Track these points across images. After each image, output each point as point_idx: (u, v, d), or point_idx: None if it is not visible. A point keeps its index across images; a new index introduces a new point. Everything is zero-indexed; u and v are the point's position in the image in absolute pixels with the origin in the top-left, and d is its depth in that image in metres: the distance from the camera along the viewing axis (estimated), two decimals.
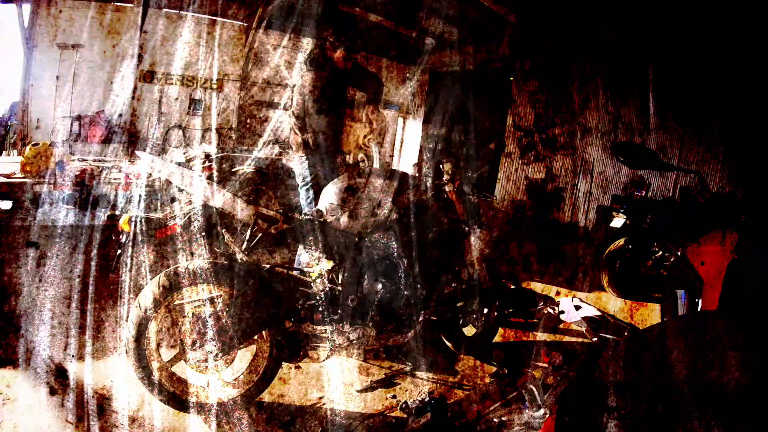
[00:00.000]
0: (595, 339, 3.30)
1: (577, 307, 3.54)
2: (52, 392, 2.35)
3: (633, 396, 1.22)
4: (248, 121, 8.51)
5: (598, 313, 3.63)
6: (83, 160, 5.16)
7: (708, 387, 1.20)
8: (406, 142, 9.23)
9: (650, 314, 4.10)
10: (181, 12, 7.57)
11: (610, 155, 6.18)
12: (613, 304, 4.33)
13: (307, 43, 8.09)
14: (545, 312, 3.39)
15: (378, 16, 7.81)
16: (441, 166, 2.82)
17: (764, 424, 1.11)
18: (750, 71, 4.61)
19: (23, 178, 4.84)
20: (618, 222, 4.33)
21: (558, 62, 6.55)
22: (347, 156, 3.58)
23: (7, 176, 4.90)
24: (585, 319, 3.50)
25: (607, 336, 3.35)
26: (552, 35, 6.46)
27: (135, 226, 2.36)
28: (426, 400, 2.44)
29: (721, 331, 1.38)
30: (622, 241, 4.34)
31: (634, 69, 5.79)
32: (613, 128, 6.23)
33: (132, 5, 7.26)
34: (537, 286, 4.44)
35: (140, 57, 7.44)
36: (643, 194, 5.40)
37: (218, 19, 8.04)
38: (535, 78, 6.95)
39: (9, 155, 6.70)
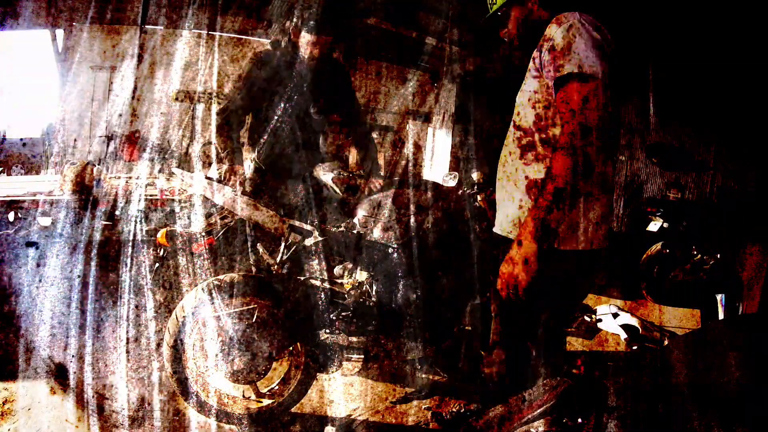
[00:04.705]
0: (634, 347, 3.21)
1: (615, 315, 3.45)
2: (52, 392, 2.39)
3: (633, 396, 1.22)
4: None
5: (636, 321, 3.54)
6: (119, 177, 5.32)
7: (708, 387, 1.19)
8: (437, 152, 9.19)
9: (687, 320, 3.97)
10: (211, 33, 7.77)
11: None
12: (649, 311, 4.20)
13: None
14: (583, 320, 3.32)
15: (377, 17, 7.71)
16: (471, 176, 2.80)
17: (764, 424, 1.08)
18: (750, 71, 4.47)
19: (62, 195, 5.01)
20: (655, 226, 4.22)
21: None
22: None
23: (47, 194, 5.07)
24: (623, 327, 3.41)
25: (647, 344, 3.25)
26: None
27: (172, 240, 2.42)
28: (461, 412, 2.41)
29: (721, 331, 1.37)
30: (659, 246, 4.22)
31: (634, 69, 5.66)
32: None
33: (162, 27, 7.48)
34: None
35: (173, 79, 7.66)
36: (679, 197, 5.26)
37: (244, 37, 8.22)
38: None
39: (47, 174, 6.95)
